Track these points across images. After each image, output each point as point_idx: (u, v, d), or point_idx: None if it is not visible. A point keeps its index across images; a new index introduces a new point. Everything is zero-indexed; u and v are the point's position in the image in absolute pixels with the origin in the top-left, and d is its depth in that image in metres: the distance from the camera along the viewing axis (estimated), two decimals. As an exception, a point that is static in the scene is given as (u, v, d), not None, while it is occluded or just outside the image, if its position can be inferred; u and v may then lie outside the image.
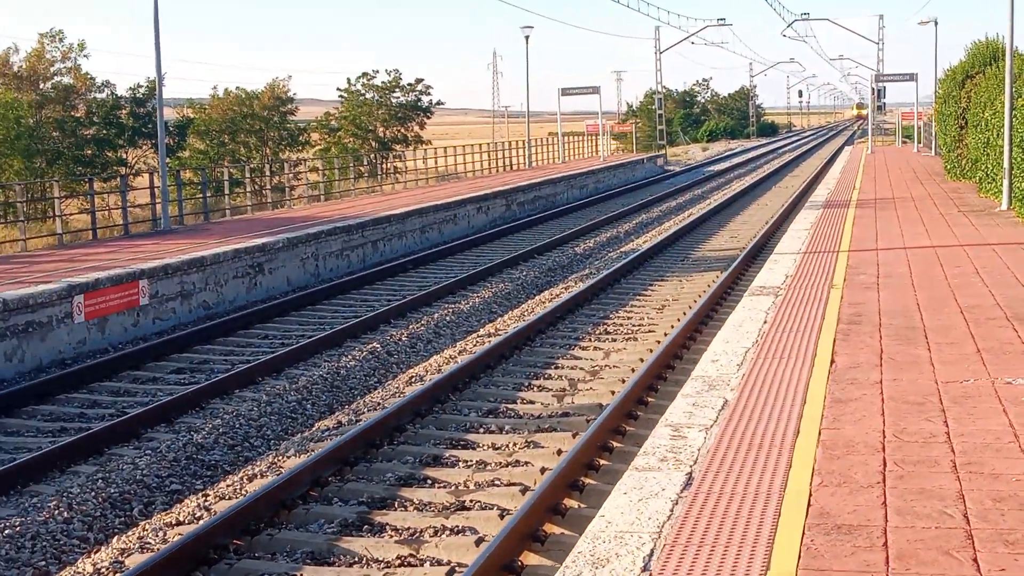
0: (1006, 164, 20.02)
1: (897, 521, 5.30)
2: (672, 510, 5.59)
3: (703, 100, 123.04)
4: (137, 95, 43.45)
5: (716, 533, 5.26)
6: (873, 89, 57.76)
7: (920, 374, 8.25)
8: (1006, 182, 20.20)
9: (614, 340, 14.91)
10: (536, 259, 23.29)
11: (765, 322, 10.57)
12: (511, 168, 48.84)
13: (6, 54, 42.22)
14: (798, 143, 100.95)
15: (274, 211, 29.77)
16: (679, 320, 15.51)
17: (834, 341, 9.51)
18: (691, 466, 6.29)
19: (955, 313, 10.66)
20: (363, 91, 59.11)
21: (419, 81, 60.20)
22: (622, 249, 24.93)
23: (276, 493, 8.58)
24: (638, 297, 18.21)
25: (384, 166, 49.60)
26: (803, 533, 5.20)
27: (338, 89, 59.72)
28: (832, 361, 8.78)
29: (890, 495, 5.67)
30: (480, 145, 48.09)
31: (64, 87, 42.11)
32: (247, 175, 34.62)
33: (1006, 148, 19.87)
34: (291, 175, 38.71)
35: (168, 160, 42.40)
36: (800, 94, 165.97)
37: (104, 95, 43.46)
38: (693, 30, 64.72)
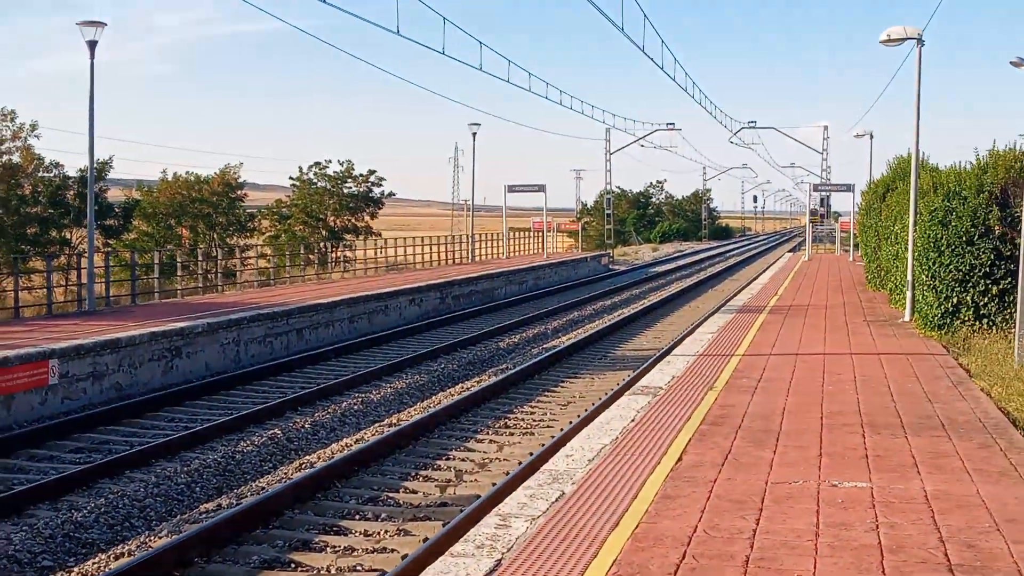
0: (909, 276, 20.79)
1: (670, 609, 5.70)
2: (467, 593, 5.95)
3: (658, 201, 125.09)
4: (85, 176, 43.76)
5: (499, 615, 5.62)
6: (819, 199, 59.38)
7: (755, 475, 8.69)
8: (909, 294, 20.96)
9: (511, 434, 15.28)
10: (458, 352, 23.65)
11: (633, 420, 11.01)
12: (456, 261, 49.45)
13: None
14: (747, 247, 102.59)
15: (204, 296, 30.06)
16: (578, 416, 15.91)
17: (689, 441, 9.95)
18: (504, 553, 6.67)
19: (815, 418, 11.15)
20: (315, 180, 59.94)
21: (371, 172, 61.25)
22: (546, 345, 25.37)
23: (137, 571, 8.82)
24: (547, 393, 18.61)
25: (333, 255, 50.08)
26: (578, 617, 5.58)
27: (290, 177, 60.61)
28: (679, 460, 9.21)
29: (675, 585, 6.07)
30: (425, 238, 48.73)
31: (11, 165, 42.46)
32: (179, 259, 34.91)
33: (909, 261, 20.66)
34: (236, 260, 39.03)
35: (112, 242, 42.78)
36: (755, 199, 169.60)
37: (52, 174, 43.85)
38: (642, 133, 66.17)
